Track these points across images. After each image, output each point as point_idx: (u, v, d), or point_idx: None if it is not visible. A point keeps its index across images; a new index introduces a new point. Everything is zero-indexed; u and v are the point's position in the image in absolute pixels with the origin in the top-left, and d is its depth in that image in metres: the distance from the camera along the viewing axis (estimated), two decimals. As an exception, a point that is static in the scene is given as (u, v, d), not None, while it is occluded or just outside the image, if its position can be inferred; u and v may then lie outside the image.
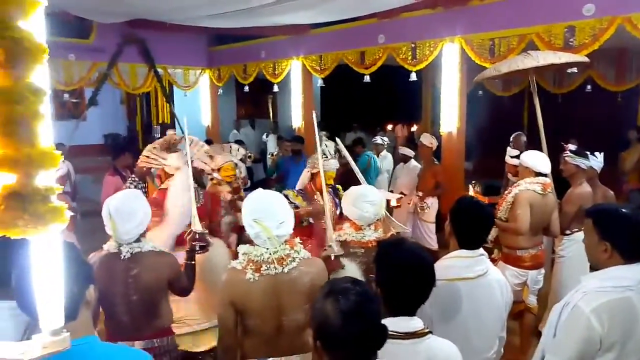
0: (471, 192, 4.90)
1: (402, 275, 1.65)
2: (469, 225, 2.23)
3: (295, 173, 6.63)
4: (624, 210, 1.73)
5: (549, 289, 4.18)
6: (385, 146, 6.73)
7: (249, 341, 2.19)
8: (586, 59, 4.72)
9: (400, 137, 10.02)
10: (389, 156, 6.73)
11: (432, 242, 5.76)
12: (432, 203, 5.72)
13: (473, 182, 5.27)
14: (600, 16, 5.08)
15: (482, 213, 2.26)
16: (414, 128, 10.76)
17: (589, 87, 8.08)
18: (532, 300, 3.90)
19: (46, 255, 0.78)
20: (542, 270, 3.87)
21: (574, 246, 4.03)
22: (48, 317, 0.78)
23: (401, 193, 6.04)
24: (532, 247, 3.77)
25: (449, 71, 6.46)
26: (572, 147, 4.21)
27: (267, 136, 10.62)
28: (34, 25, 0.77)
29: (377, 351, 1.33)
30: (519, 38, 5.76)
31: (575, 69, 5.56)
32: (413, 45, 6.72)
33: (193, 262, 2.66)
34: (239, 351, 2.22)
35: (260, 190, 2.22)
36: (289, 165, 6.89)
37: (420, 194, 5.72)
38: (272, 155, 7.95)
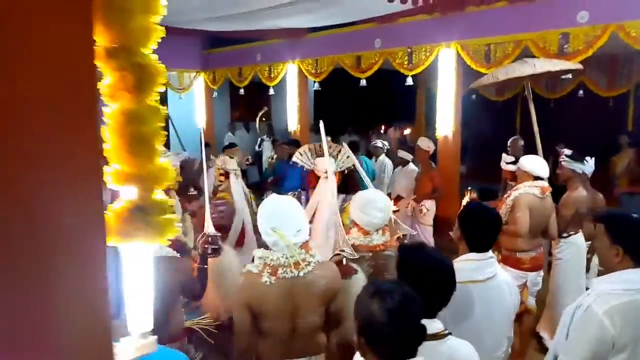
0: (467, 198, 4.94)
1: (424, 279, 1.71)
2: (478, 229, 2.29)
3: (291, 176, 6.66)
4: (635, 215, 1.80)
5: (547, 291, 4.27)
6: (385, 150, 6.79)
7: (264, 343, 2.23)
8: (580, 66, 4.83)
9: (393, 140, 10.09)
10: (388, 160, 6.79)
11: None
12: (430, 206, 5.79)
13: (469, 188, 5.31)
14: (594, 23, 5.20)
15: (490, 217, 2.33)
16: (407, 131, 10.83)
17: (580, 92, 8.23)
18: (531, 302, 3.97)
19: (140, 260, 0.81)
20: (541, 272, 3.95)
21: (570, 249, 4.13)
22: (138, 321, 0.82)
23: (398, 196, 6.10)
24: (532, 249, 3.85)
25: (445, 76, 6.55)
26: (567, 152, 4.29)
27: (259, 144, 10.46)
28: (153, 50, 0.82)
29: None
30: (514, 44, 5.87)
31: (569, 75, 5.67)
32: (409, 50, 6.81)
33: (205, 266, 2.68)
34: (254, 353, 2.26)
35: (275, 196, 2.26)
36: (284, 168, 6.92)
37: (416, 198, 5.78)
38: (272, 158, 7.98)
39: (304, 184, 6.43)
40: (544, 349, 4.11)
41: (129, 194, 0.79)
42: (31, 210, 0.52)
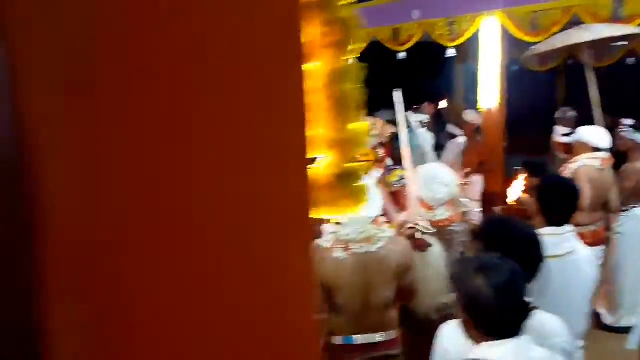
0: (522, 181, 4.46)
1: (513, 252, 1.64)
2: (557, 202, 2.21)
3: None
4: None
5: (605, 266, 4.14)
6: (425, 124, 6.65)
7: (336, 319, 2.22)
8: (643, 30, 4.59)
9: (430, 115, 9.85)
10: (428, 134, 6.66)
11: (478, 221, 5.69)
12: (477, 180, 5.65)
13: (515, 168, 5.00)
14: (653, -16, 4.92)
15: (569, 189, 2.25)
16: (443, 105, 10.55)
17: (632, 59, 7.80)
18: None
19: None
20: (603, 247, 3.82)
21: (631, 222, 3.98)
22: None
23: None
24: (592, 223, 3.71)
25: (488, 46, 6.33)
26: (628, 121, 4.11)
27: None
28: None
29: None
30: (563, 10, 5.58)
31: (626, 42, 5.41)
32: (450, 21, 6.60)
33: None
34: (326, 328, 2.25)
35: None
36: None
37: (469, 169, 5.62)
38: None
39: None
40: (602, 326, 4.01)
41: (325, 159, 0.74)
42: (240, 181, 0.48)
